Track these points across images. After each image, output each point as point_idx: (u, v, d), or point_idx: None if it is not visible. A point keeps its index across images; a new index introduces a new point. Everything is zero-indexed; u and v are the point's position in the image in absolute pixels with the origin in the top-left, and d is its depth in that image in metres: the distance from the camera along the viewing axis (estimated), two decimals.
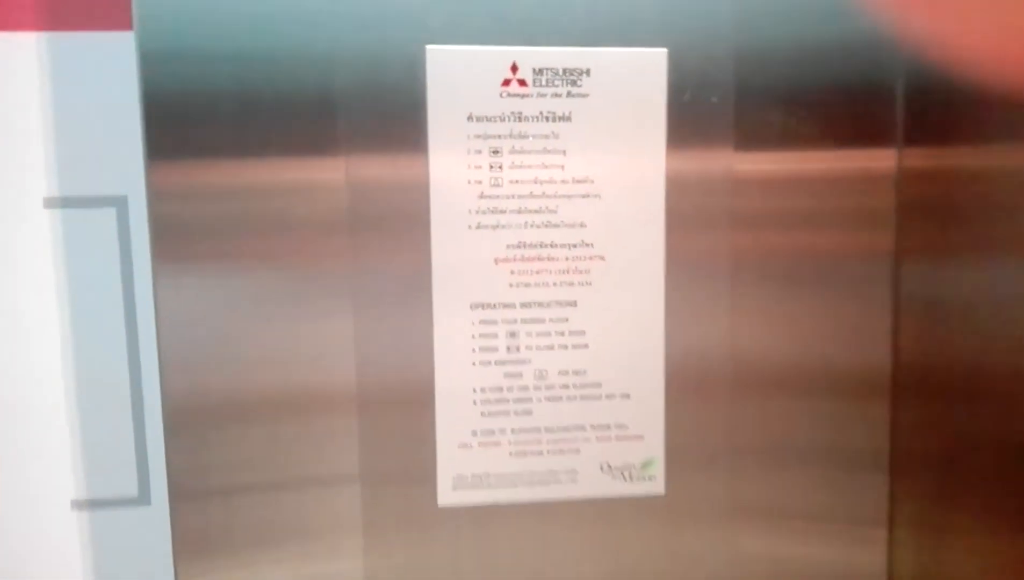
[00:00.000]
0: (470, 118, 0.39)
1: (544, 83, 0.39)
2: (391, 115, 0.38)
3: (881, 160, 0.42)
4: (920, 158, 0.41)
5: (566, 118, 0.39)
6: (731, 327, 0.42)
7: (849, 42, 0.41)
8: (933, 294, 0.41)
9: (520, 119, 0.39)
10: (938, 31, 0.39)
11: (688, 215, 0.41)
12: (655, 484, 0.43)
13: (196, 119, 0.37)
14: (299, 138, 0.38)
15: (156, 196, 0.38)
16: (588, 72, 0.39)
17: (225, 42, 0.37)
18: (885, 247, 0.42)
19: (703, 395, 0.42)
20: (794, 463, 0.43)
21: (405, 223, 0.39)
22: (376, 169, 0.39)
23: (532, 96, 0.39)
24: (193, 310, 0.38)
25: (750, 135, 0.41)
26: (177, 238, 0.38)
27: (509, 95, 0.39)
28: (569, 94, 0.39)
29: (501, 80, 0.39)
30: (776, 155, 0.41)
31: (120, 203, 0.45)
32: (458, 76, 0.39)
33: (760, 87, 0.40)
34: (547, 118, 0.39)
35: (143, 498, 0.47)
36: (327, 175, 0.39)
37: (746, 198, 0.41)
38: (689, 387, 0.42)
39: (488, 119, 0.39)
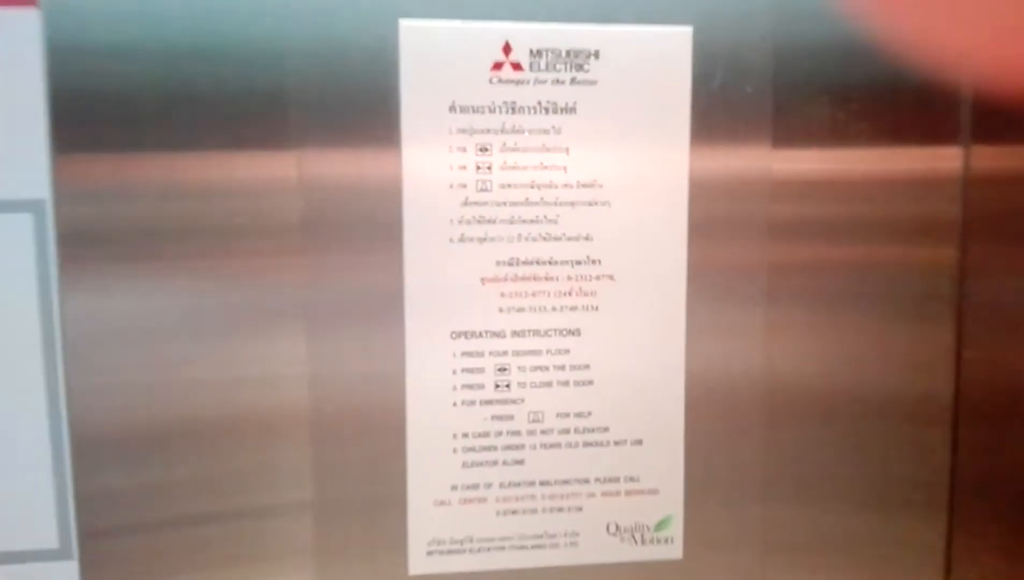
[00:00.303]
0: (453, 108, 0.37)
1: (543, 67, 0.38)
2: (356, 104, 0.37)
3: (945, 160, 0.41)
4: (991, 158, 0.40)
5: (569, 109, 0.38)
6: (766, 355, 0.41)
7: None
8: (1002, 312, 0.41)
9: (514, 110, 0.38)
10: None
11: (716, 223, 0.40)
12: (672, 547, 0.41)
13: (117, 106, 0.36)
14: (243, 131, 0.37)
15: (65, 196, 0.36)
16: (596, 54, 0.38)
17: (148, 20, 0.35)
18: (948, 259, 0.41)
19: (731, 438, 0.41)
20: (837, 514, 0.42)
21: (372, 231, 0.38)
22: (336, 167, 0.37)
23: (529, 83, 0.38)
24: (109, 328, 0.37)
25: (791, 129, 0.39)
26: (91, 245, 0.36)
27: (501, 81, 0.38)
28: (573, 81, 0.38)
29: (491, 63, 0.37)
30: (821, 153, 0.40)
31: (37, 208, 0.43)
32: (439, 58, 0.37)
33: (803, 74, 0.39)
34: (547, 109, 0.38)
35: (64, 551, 0.45)
36: (276, 173, 0.37)
37: (785, 203, 0.40)
38: (715, 429, 0.41)
39: (475, 110, 0.38)
